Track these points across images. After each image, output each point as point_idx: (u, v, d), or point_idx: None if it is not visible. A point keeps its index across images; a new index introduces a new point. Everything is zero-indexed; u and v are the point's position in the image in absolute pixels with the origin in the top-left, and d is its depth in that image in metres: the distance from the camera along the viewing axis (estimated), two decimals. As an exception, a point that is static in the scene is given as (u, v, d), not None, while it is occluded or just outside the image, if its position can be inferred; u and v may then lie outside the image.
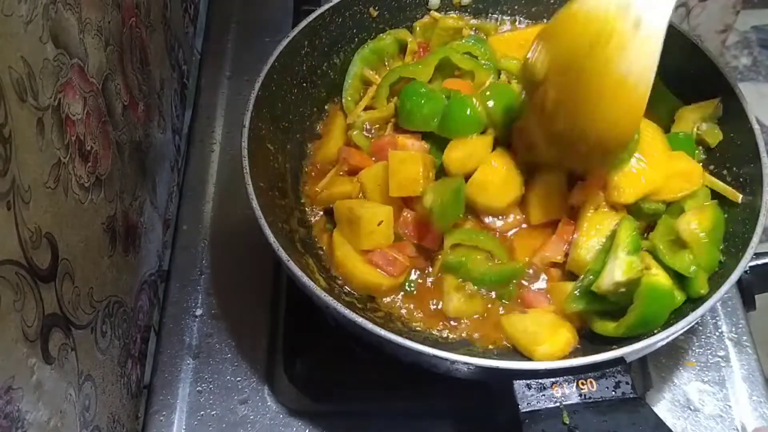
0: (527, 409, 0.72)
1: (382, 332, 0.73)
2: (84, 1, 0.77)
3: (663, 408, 0.92)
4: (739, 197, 0.87)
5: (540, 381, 0.73)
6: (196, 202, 1.10)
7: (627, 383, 0.73)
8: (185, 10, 1.29)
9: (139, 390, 0.94)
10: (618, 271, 0.77)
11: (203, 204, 1.09)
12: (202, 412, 0.91)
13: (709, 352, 0.96)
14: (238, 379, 0.94)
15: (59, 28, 0.70)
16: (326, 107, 1.05)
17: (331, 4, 1.01)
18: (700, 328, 0.98)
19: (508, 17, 1.11)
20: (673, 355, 0.96)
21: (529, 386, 0.73)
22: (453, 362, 0.72)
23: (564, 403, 0.72)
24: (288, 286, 1.01)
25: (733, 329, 0.98)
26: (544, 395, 0.72)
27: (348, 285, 0.87)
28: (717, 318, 0.99)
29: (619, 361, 0.74)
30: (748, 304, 1.00)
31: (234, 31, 1.31)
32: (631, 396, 0.73)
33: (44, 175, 0.66)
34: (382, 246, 0.87)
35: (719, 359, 0.96)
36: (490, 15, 1.11)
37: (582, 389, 0.73)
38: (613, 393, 0.73)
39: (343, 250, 0.88)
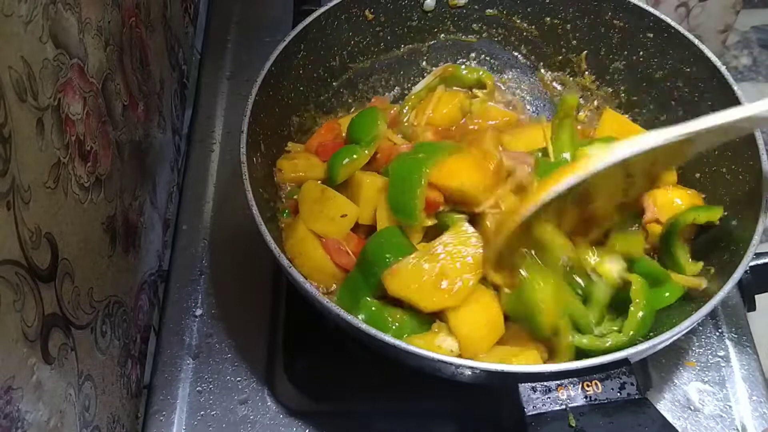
0: (533, 412, 0.71)
1: (387, 338, 0.73)
2: (84, 1, 0.77)
3: (663, 408, 0.92)
4: (702, 285, 0.85)
5: (545, 384, 0.73)
6: (196, 202, 1.10)
7: (632, 384, 0.73)
8: (185, 10, 1.29)
9: (139, 390, 0.94)
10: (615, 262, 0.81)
11: (203, 204, 1.09)
12: (202, 412, 0.91)
13: (709, 352, 0.96)
14: (238, 379, 0.94)
15: (59, 27, 0.70)
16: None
17: (326, 7, 1.01)
18: (701, 328, 0.98)
19: (505, 17, 1.12)
20: (673, 355, 0.96)
21: (534, 389, 0.73)
22: (458, 366, 0.72)
23: (570, 405, 0.72)
24: (288, 287, 1.01)
25: (734, 329, 0.98)
26: (549, 398, 0.72)
27: (300, 269, 0.85)
28: (717, 318, 0.99)
29: (624, 362, 0.74)
30: (748, 304, 1.00)
31: (234, 31, 1.31)
32: (637, 397, 0.72)
33: (44, 175, 0.66)
34: (333, 236, 0.89)
35: (719, 359, 0.96)
36: (487, 12, 1.11)
37: (587, 391, 0.72)
38: (619, 394, 0.73)
39: (303, 232, 0.89)
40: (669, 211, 0.90)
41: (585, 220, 0.85)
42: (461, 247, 0.83)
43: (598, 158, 0.77)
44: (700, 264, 0.88)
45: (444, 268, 0.81)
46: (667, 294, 0.85)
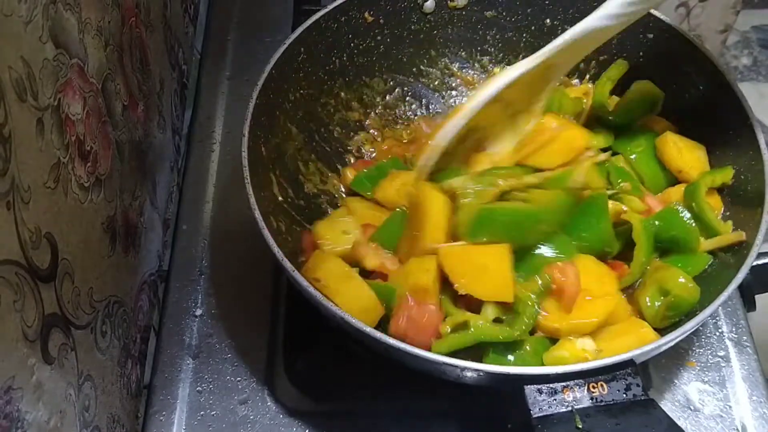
0: (539, 414, 0.71)
1: (391, 341, 0.73)
2: (84, 1, 0.77)
3: (663, 408, 0.92)
4: (743, 235, 0.86)
5: (551, 385, 0.73)
6: (196, 202, 1.10)
7: (638, 385, 0.73)
8: (185, 10, 1.29)
9: (139, 390, 0.94)
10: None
11: (203, 204, 1.09)
12: (202, 412, 0.91)
13: (709, 352, 0.96)
14: (238, 379, 0.94)
15: (59, 28, 0.70)
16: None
17: (326, 10, 1.01)
18: (701, 328, 0.98)
19: (505, 18, 1.11)
20: (673, 356, 0.95)
21: (540, 391, 0.72)
22: (462, 369, 0.72)
23: (576, 406, 0.71)
24: (288, 286, 1.01)
25: (734, 329, 0.98)
26: (555, 400, 0.72)
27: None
28: (717, 318, 0.99)
29: (629, 363, 0.73)
30: (749, 304, 1.00)
31: (234, 31, 1.31)
32: (642, 398, 0.72)
33: (44, 175, 0.66)
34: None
35: (719, 359, 0.96)
36: (487, 14, 1.11)
37: (593, 392, 0.72)
38: (624, 395, 0.72)
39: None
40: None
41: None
42: None
43: (482, 91, 0.92)
44: (730, 222, 0.89)
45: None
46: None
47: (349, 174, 1.05)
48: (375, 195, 0.99)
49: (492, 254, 0.82)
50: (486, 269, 0.81)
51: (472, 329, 0.79)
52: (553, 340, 0.83)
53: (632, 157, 0.98)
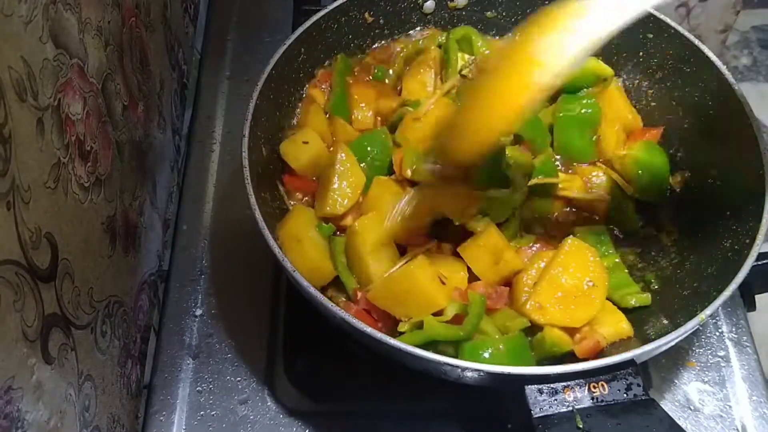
0: (540, 414, 0.71)
1: (392, 341, 0.73)
2: (84, 1, 0.77)
3: (663, 408, 0.92)
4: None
5: (551, 385, 0.73)
6: (196, 202, 1.10)
7: (638, 385, 0.73)
8: (185, 10, 1.29)
9: (139, 390, 0.94)
10: None
11: (203, 204, 1.09)
12: (202, 412, 0.91)
13: (709, 352, 0.96)
14: (238, 379, 0.94)
15: (59, 28, 0.70)
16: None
17: (326, 11, 1.01)
18: (701, 328, 0.98)
19: (504, 19, 1.11)
20: (673, 356, 0.96)
21: (540, 391, 0.72)
22: (463, 369, 0.72)
23: (576, 407, 0.72)
24: (288, 286, 1.01)
25: (733, 329, 0.98)
26: (556, 400, 0.72)
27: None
28: (717, 318, 0.99)
29: (630, 363, 0.74)
30: (748, 304, 1.00)
31: (234, 31, 1.31)
32: (643, 398, 0.72)
33: (44, 175, 0.66)
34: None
35: (719, 359, 0.96)
36: (487, 15, 1.11)
37: (594, 392, 0.72)
38: (625, 395, 0.72)
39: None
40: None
41: None
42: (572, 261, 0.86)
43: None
44: None
45: (571, 282, 0.85)
46: None
47: (317, 95, 1.03)
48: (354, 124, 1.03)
49: (406, 278, 0.83)
50: (408, 293, 0.82)
51: (425, 328, 0.80)
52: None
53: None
